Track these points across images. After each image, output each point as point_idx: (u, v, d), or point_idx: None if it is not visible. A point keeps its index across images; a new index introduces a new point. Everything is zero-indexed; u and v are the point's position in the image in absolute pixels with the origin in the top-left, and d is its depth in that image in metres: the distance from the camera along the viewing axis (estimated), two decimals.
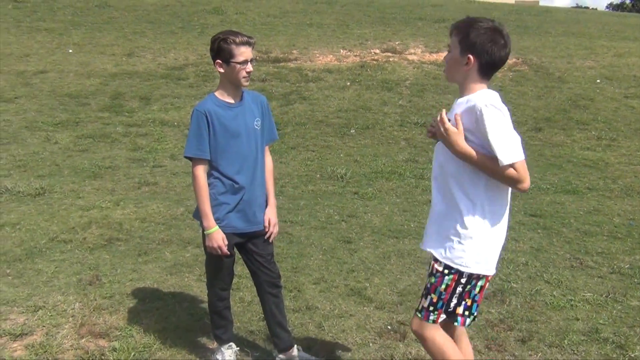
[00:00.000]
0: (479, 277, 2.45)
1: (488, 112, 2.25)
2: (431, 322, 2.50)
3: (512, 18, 17.18)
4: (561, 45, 14.11)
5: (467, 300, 2.49)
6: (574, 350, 3.50)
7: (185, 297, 4.11)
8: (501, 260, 4.74)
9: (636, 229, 5.61)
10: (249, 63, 2.96)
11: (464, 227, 2.39)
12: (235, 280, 3.46)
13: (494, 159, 2.28)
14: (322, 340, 3.59)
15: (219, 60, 2.96)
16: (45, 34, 13.08)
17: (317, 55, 12.45)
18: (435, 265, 2.46)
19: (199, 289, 4.23)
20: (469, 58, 2.33)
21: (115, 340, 3.51)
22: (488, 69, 2.38)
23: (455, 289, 2.44)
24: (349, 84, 10.95)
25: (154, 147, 7.92)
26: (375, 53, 12.74)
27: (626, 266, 4.71)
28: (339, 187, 6.77)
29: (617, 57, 13.30)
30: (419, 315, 2.53)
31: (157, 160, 7.50)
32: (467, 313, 2.53)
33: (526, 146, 8.29)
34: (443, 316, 2.49)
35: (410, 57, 12.54)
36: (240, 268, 3.76)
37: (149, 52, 12.31)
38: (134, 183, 6.66)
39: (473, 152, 2.33)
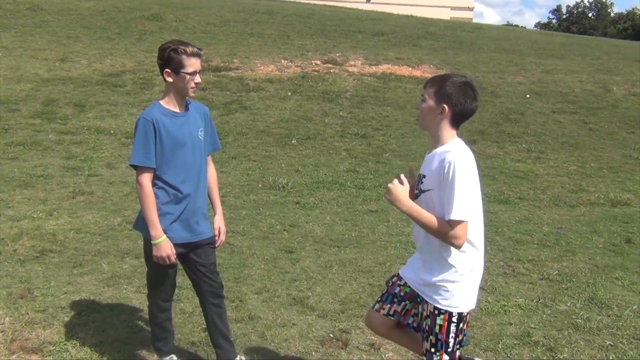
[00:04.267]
0: (467, 315, 2.62)
1: (457, 167, 2.41)
2: None
3: (447, 34, 17.76)
4: (494, 61, 14.69)
5: (460, 338, 2.63)
6: (507, 354, 3.65)
7: (124, 309, 4.01)
8: None
9: (564, 237, 5.90)
10: (198, 74, 2.95)
11: (457, 267, 2.53)
12: (175, 291, 3.41)
13: (440, 219, 2.43)
14: (265, 349, 3.59)
15: (167, 70, 2.93)
16: None
17: (258, 65, 12.46)
18: (431, 302, 2.59)
19: (137, 301, 4.13)
20: (443, 108, 2.51)
21: (49, 356, 3.39)
22: (459, 119, 2.57)
23: (449, 327, 2.57)
24: (290, 94, 11.01)
25: (89, 156, 7.69)
26: (316, 64, 12.87)
27: (555, 272, 4.95)
28: (281, 197, 6.79)
29: (545, 73, 13.98)
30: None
31: (93, 169, 7.28)
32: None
33: None
34: (446, 357, 2.59)
35: (350, 69, 12.74)
36: (180, 279, 3.71)
37: (83, 57, 11.95)
38: (68, 192, 6.44)
39: (418, 210, 2.48)
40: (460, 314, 2.56)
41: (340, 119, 10.12)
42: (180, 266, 3.20)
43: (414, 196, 2.60)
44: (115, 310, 3.98)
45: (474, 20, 34.12)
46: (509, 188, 7.64)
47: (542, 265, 5.14)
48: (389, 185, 2.52)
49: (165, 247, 2.96)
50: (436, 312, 2.56)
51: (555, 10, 62.98)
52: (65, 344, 3.50)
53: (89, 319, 3.84)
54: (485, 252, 5.13)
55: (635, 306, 4.32)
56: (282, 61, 12.88)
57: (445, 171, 2.41)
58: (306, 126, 9.62)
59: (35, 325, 3.69)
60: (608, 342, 3.80)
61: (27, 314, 3.82)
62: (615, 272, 4.99)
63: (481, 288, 4.49)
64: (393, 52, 14.46)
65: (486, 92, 12.22)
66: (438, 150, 2.54)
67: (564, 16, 63.24)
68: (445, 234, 2.43)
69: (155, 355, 3.34)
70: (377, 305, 2.85)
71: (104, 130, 8.66)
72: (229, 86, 10.92)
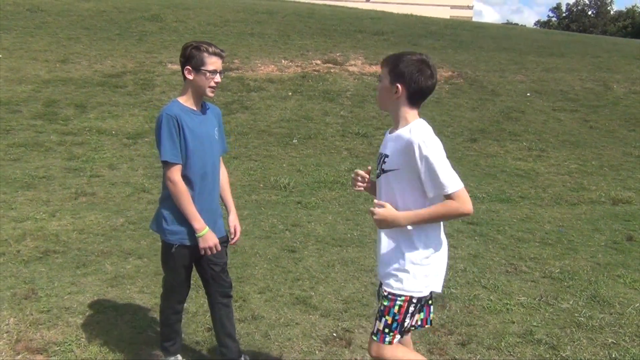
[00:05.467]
0: (426, 299, 2.59)
1: (427, 148, 2.38)
2: (387, 343, 2.56)
3: (447, 32, 17.75)
4: (494, 60, 14.70)
5: (415, 320, 2.60)
6: (510, 352, 3.66)
7: (127, 310, 4.02)
8: None
9: (565, 236, 5.92)
10: (218, 74, 2.97)
11: (411, 255, 2.50)
12: None
13: (436, 204, 2.42)
14: (269, 349, 3.60)
15: (188, 67, 2.96)
16: None
17: (259, 65, 12.47)
18: (387, 289, 2.55)
19: (141, 301, 4.15)
20: (397, 87, 2.47)
21: (54, 356, 3.40)
22: (416, 98, 2.51)
23: (407, 309, 2.53)
24: (290, 94, 11.02)
25: (91, 157, 7.70)
26: (316, 64, 12.87)
27: (557, 271, 4.96)
28: (283, 197, 6.80)
29: (546, 71, 13.98)
30: (375, 338, 2.59)
31: (95, 170, 7.29)
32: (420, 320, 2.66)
33: (462, 156, 8.56)
34: (398, 337, 2.56)
35: (350, 69, 12.75)
36: None
37: (84, 58, 11.95)
38: (71, 193, 6.46)
39: (414, 213, 2.46)
40: (420, 299, 2.53)
41: (341, 118, 10.13)
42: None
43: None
44: (119, 311, 4.00)
45: (474, 19, 34.11)
46: (510, 187, 7.65)
47: (544, 263, 5.15)
48: (375, 217, 2.50)
49: (211, 237, 3.00)
50: (396, 295, 2.52)
51: (554, 8, 63.03)
52: (69, 344, 3.51)
53: (93, 319, 3.85)
54: (486, 249, 5.12)
55: (638, 304, 4.33)
56: (283, 61, 12.89)
57: (418, 154, 2.38)
58: (307, 126, 9.63)
59: (40, 326, 3.70)
60: (610, 340, 3.81)
61: (32, 314, 3.83)
62: (617, 270, 5.00)
63: (484, 287, 4.56)
64: (393, 51, 14.17)
65: (486, 90, 12.23)
66: (401, 131, 2.49)
67: (564, 14, 63.25)
68: (452, 210, 2.41)
69: (161, 354, 3.36)
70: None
71: (105, 131, 8.68)
72: (230, 86, 10.93)
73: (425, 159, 2.37)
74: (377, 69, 12.82)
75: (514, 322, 4.03)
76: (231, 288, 3.28)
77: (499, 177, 8.01)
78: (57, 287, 4.27)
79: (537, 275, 4.89)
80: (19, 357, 3.37)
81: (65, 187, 6.63)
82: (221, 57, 2.99)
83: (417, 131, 2.43)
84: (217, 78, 2.98)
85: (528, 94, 12.24)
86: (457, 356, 3.60)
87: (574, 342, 3.78)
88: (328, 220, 6.06)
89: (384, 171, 2.55)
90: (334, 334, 3.78)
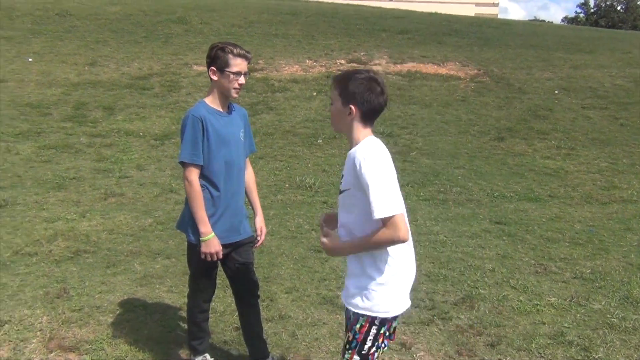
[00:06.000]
0: (393, 319, 2.51)
1: (366, 164, 2.31)
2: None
3: (473, 30, 17.58)
4: (520, 57, 14.50)
5: (380, 341, 2.51)
6: (541, 354, 3.61)
7: (157, 309, 4.08)
8: (469, 267, 4.89)
9: (596, 235, 5.81)
10: (243, 76, 2.98)
11: (374, 275, 2.44)
12: None
13: (368, 234, 2.35)
14: (296, 349, 3.61)
15: (213, 68, 2.99)
16: (4, 42, 12.76)
17: (283, 65, 12.51)
18: (351, 308, 2.50)
19: (169, 300, 4.20)
20: (351, 108, 2.44)
21: (86, 354, 3.46)
22: (370, 116, 2.48)
23: (369, 330, 2.46)
24: (315, 94, 11.03)
25: (119, 158, 7.82)
26: (340, 63, 12.86)
27: (588, 271, 4.88)
28: (308, 197, 6.81)
29: (574, 68, 13.74)
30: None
31: (123, 170, 7.40)
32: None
33: (489, 155, 8.46)
34: (356, 357, 2.48)
35: (375, 68, 12.69)
36: None
37: (112, 61, 12.14)
38: (100, 194, 6.56)
39: (350, 244, 2.42)
40: (383, 320, 2.46)
41: None
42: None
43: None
44: (148, 310, 4.05)
45: (499, 16, 33.71)
46: (538, 186, 7.54)
47: (574, 263, 5.07)
48: (324, 246, 2.50)
49: (215, 243, 3.00)
50: (359, 315, 2.47)
51: (582, 4, 61.76)
52: (101, 343, 3.57)
53: (123, 318, 3.91)
54: (515, 249, 5.05)
55: None
56: (307, 61, 12.91)
57: (357, 171, 2.33)
58: None
59: (72, 324, 3.77)
60: None
61: (64, 313, 3.91)
62: None
63: (513, 287, 4.51)
64: (418, 50, 14.37)
65: (514, 88, 12.08)
66: (351, 150, 2.45)
67: (592, 10, 62.08)
68: (384, 238, 2.30)
69: (190, 354, 3.39)
70: None
71: (133, 133, 8.79)
72: (255, 87, 10.98)
73: (362, 177, 2.31)
74: (401, 68, 12.77)
75: (544, 323, 3.98)
76: (258, 288, 3.30)
77: (527, 176, 7.91)
78: (88, 286, 4.35)
79: (568, 275, 4.81)
80: (52, 355, 3.44)
81: (94, 188, 6.74)
82: (246, 58, 3.00)
83: (361, 149, 2.39)
84: (241, 80, 2.99)
85: (556, 92, 12.05)
86: (486, 357, 3.56)
87: (606, 343, 3.71)
88: None
89: (340, 191, 2.52)
90: None
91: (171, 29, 14.88)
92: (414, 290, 4.41)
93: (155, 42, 13.65)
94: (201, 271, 3.14)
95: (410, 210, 6.29)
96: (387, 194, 2.29)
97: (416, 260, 2.60)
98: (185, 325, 3.72)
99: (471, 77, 12.54)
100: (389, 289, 2.44)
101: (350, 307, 2.48)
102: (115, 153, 8.00)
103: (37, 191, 6.51)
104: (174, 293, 4.30)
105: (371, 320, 2.45)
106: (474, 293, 4.41)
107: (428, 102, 10.94)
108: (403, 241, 2.33)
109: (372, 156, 2.35)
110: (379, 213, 2.26)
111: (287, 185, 7.23)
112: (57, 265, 4.71)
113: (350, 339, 2.48)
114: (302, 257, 5.04)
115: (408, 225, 2.37)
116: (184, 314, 3.89)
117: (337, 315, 4.02)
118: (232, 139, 3.05)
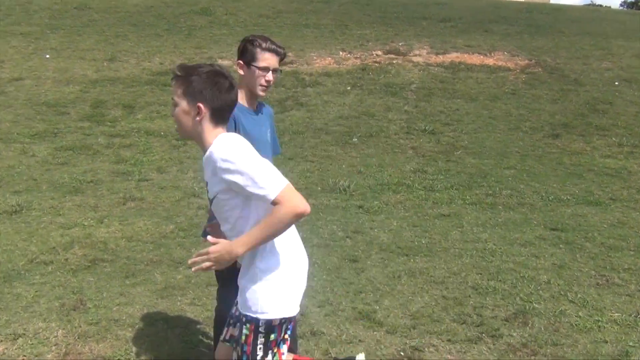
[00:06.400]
0: (282, 323, 2.44)
1: (230, 158, 2.25)
2: None
3: (522, 16, 17.31)
4: (576, 46, 14.21)
5: (274, 350, 2.45)
6: None
7: (178, 323, 4.08)
8: (521, 278, 4.78)
9: None
10: (271, 72, 2.97)
11: (255, 271, 2.40)
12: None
13: (262, 219, 2.29)
14: None
15: (240, 61, 3.00)
16: (21, 38, 13.09)
17: (315, 58, 12.50)
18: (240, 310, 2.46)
19: (192, 314, 4.20)
20: (199, 107, 2.35)
21: None
22: (221, 115, 2.40)
23: (256, 339, 2.40)
24: (349, 88, 10.99)
25: (139, 160, 7.90)
26: (377, 55, 12.80)
27: None
28: (342, 201, 6.76)
29: (636, 57, 13.39)
30: None
31: (143, 173, 7.48)
32: None
33: (543, 154, 8.31)
34: None
35: (415, 59, 12.60)
36: None
37: (132, 56, 12.33)
38: (119, 198, 6.64)
39: (247, 236, 2.31)
40: (268, 322, 2.38)
41: (405, 114, 10.01)
42: None
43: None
44: (169, 324, 4.05)
45: (551, 1, 33.13)
46: (598, 187, 7.35)
47: None
48: (211, 258, 2.33)
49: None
50: (243, 319, 2.39)
51: None
52: (119, 359, 3.58)
53: (142, 333, 3.92)
54: (573, 258, 4.91)
55: None
56: (340, 53, 12.88)
57: (224, 168, 2.25)
58: (368, 123, 9.57)
59: (89, 339, 3.80)
60: None
61: (80, 326, 3.94)
62: None
63: (571, 301, 4.37)
64: (462, 39, 14.20)
65: (569, 80, 11.83)
66: (207, 154, 2.35)
67: None
68: (281, 217, 2.23)
69: None
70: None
71: (154, 132, 8.89)
72: (283, 82, 11.00)
73: (231, 173, 2.24)
74: (444, 59, 12.63)
75: (606, 342, 3.85)
76: None
77: (585, 177, 7.72)
78: (106, 297, 4.38)
79: (633, 288, 4.67)
80: None
81: (113, 192, 6.82)
82: (277, 54, 2.98)
83: (217, 146, 2.30)
84: (269, 76, 2.97)
85: (616, 83, 11.76)
86: None
87: None
88: (393, 227, 5.98)
89: (210, 200, 2.46)
90: (402, 353, 3.71)
91: (194, 20, 15.05)
92: (460, 304, 4.34)
93: (177, 35, 13.81)
94: (229, 283, 3.11)
95: (455, 216, 6.25)
96: (266, 173, 2.25)
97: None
98: (210, 341, 3.72)
99: (521, 68, 12.33)
100: (275, 284, 2.40)
101: (237, 308, 2.45)
102: (135, 154, 8.10)
103: (53, 195, 6.62)
104: (197, 306, 4.30)
105: (255, 327, 2.38)
106: (527, 308, 4.30)
107: (474, 96, 10.79)
108: (303, 212, 2.26)
109: (231, 148, 2.28)
110: (273, 193, 2.21)
111: (319, 188, 7.20)
112: (73, 275, 4.77)
113: (239, 353, 2.40)
114: (335, 267, 4.99)
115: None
116: (207, 328, 3.89)
117: (375, 332, 3.96)
118: (259, 140, 3.03)
